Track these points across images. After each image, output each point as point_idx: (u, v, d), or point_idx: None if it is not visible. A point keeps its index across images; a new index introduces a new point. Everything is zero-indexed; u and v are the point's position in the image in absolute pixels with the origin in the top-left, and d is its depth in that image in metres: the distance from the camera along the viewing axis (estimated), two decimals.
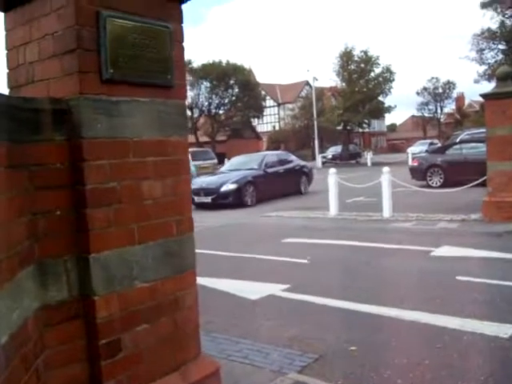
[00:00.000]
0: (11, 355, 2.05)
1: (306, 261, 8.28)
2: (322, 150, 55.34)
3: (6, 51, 2.97)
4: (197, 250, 8.93)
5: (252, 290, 6.64)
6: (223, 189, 17.19)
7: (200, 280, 7.01)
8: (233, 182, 17.38)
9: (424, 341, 4.76)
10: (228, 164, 21.53)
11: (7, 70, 2.97)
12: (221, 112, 57.76)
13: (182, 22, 3.03)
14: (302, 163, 21.83)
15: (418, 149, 43.36)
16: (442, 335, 4.80)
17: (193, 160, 27.05)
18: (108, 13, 2.61)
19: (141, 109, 2.80)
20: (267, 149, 69.11)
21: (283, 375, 4.05)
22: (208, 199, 17.07)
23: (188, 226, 3.08)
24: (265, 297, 6.35)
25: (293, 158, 21.78)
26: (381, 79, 48.77)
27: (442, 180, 18.59)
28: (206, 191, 17.22)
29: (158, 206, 2.88)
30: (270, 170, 19.03)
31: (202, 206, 16.71)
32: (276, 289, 6.63)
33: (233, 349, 4.71)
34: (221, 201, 17.02)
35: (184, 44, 3.06)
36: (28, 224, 2.38)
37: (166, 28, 2.89)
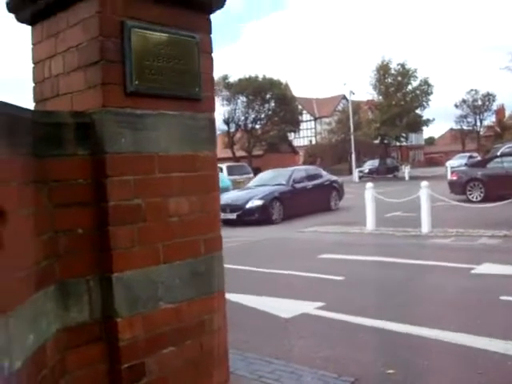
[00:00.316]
0: (25, 382, 1.95)
1: (341, 278, 8.07)
2: (359, 163, 54.87)
3: (32, 65, 2.92)
4: (230, 266, 8.73)
5: (285, 307, 6.47)
6: (249, 205, 16.76)
7: (232, 297, 6.93)
8: (259, 198, 16.91)
9: (465, 365, 4.51)
10: (256, 179, 21.07)
11: (33, 84, 2.92)
12: (257, 126, 57.79)
13: (210, 33, 2.93)
14: (333, 178, 21.19)
15: (457, 162, 42.65)
16: (484, 360, 4.54)
17: (229, 175, 27.13)
18: (133, 23, 2.53)
19: (167, 122, 2.69)
20: (304, 163, 69.03)
21: None
22: (233, 216, 16.61)
23: (216, 244, 2.96)
24: (298, 315, 6.17)
25: (323, 172, 21.24)
26: (418, 92, 48.15)
27: (482, 194, 18.10)
28: (231, 207, 16.77)
29: (184, 223, 2.76)
30: (298, 186, 18.53)
31: (227, 223, 16.02)
32: (310, 307, 6.45)
33: (265, 369, 4.55)
34: (246, 217, 16.59)
35: (213, 55, 2.95)
36: (48, 243, 2.28)
37: (193, 39, 2.79)
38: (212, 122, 2.95)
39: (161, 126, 2.66)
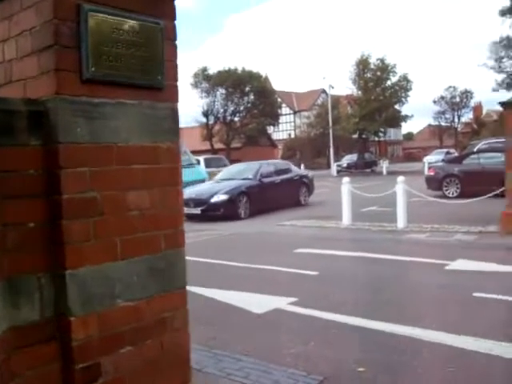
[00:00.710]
0: None
1: (316, 273, 8.00)
2: (338, 158, 55.01)
3: None
4: (201, 259, 8.59)
5: (258, 303, 6.38)
6: (214, 200, 16.10)
7: (203, 291, 6.82)
8: (224, 193, 16.28)
9: (437, 362, 4.46)
10: (222, 173, 20.02)
11: None
12: (236, 119, 57.57)
13: (174, 19, 2.81)
14: (303, 173, 20.90)
15: (434, 158, 43.14)
16: (457, 357, 4.51)
17: (206, 167, 26.94)
18: (90, 6, 2.39)
19: (127, 112, 2.57)
20: (282, 156, 69.03)
21: None
22: (197, 210, 15.96)
23: (178, 240, 2.84)
24: (270, 311, 6.08)
25: (292, 167, 20.72)
26: (397, 88, 48.36)
27: (458, 190, 18.19)
28: (195, 201, 16.04)
29: (144, 218, 2.64)
30: (266, 180, 17.85)
31: (191, 218, 15.45)
32: (283, 302, 6.36)
33: (233, 367, 4.46)
34: (211, 212, 15.95)
35: (177, 42, 2.83)
36: None
37: (156, 25, 2.66)
38: (175, 112, 2.82)
39: (119, 116, 2.53)
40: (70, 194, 2.32)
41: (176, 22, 2.81)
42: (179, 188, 2.85)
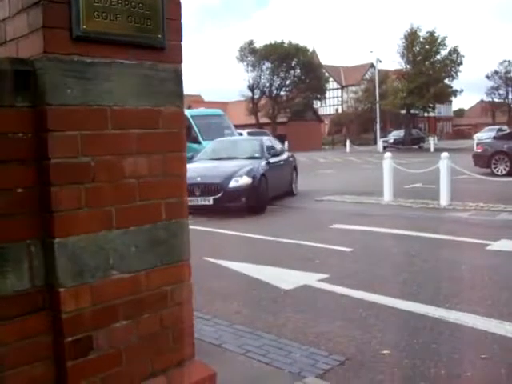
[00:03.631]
0: None
1: (350, 249, 7.79)
2: (385, 134, 54.04)
3: None
4: (232, 232, 8.48)
5: (286, 278, 6.23)
6: (232, 184, 11.26)
7: (232, 265, 6.72)
8: (245, 174, 11.52)
9: (469, 348, 4.22)
10: (208, 150, 14.37)
11: None
12: (282, 93, 57.09)
13: None
14: (291, 154, 16.13)
15: (485, 135, 41.94)
16: (491, 343, 4.24)
17: None
18: None
19: (123, 72, 2.40)
20: (329, 132, 68.35)
21: (301, 379, 3.63)
22: (208, 201, 11.10)
23: (181, 210, 2.69)
24: (299, 287, 5.92)
25: (280, 145, 15.98)
26: (447, 61, 46.83)
27: (507, 168, 17.53)
28: (203, 188, 11.16)
29: (143, 185, 2.49)
30: (272, 161, 13.26)
31: (198, 211, 10.64)
32: (312, 279, 6.19)
33: (254, 344, 4.34)
34: (228, 203, 11.30)
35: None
36: None
37: None
38: (178, 73, 2.65)
39: (115, 77, 2.37)
40: (58, 159, 2.19)
41: None
42: (182, 155, 2.69)
